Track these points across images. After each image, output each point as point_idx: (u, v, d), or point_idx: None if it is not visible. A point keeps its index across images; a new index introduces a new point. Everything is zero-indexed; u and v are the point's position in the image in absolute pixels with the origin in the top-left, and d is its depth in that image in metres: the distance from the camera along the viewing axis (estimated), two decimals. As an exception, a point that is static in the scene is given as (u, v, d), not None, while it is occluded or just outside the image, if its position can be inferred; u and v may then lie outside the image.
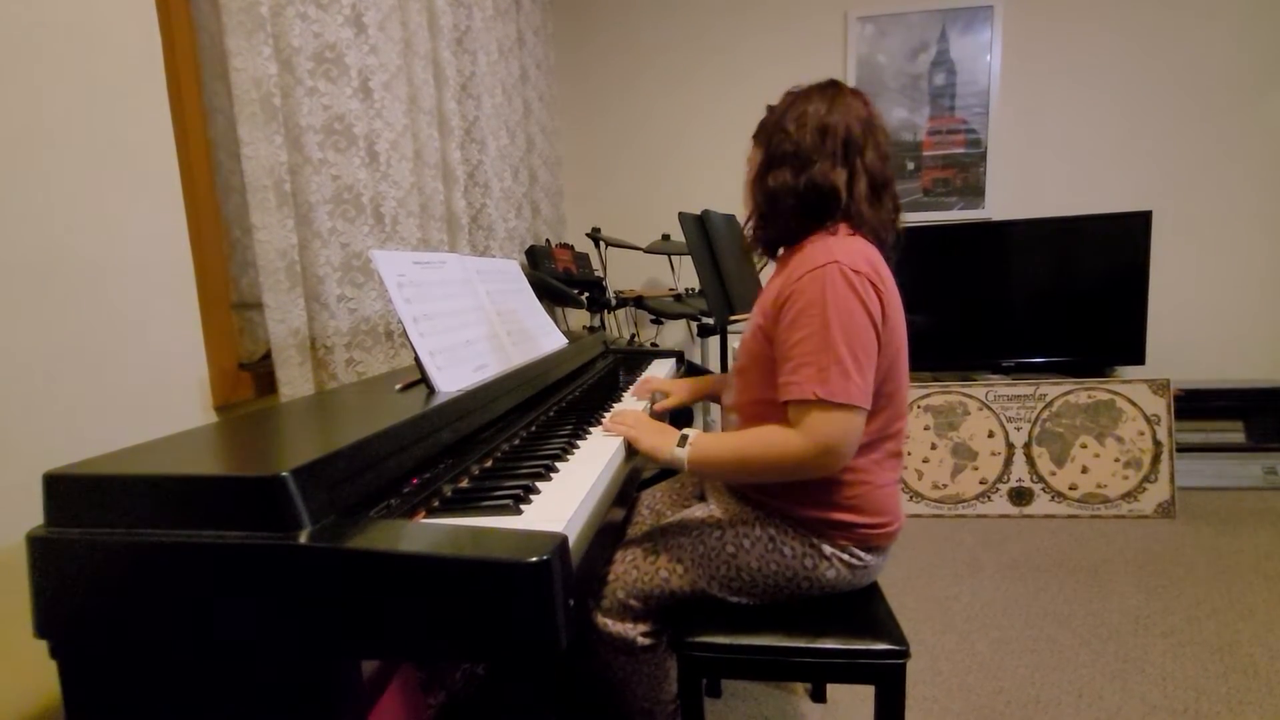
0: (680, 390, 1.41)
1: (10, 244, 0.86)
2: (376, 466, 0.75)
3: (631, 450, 1.08)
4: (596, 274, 2.77)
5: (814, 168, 1.03)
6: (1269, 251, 2.94)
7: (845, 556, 1.06)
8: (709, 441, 1.03)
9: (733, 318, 1.91)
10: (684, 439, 1.04)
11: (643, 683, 1.16)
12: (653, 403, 1.40)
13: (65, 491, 0.65)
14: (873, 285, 0.97)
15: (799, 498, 1.06)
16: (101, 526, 0.64)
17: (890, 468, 1.08)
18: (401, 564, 0.59)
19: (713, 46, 3.20)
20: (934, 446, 2.72)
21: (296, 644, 0.62)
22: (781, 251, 1.14)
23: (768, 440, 0.98)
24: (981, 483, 2.69)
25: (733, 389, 1.17)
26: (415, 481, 0.81)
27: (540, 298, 1.66)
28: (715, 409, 2.69)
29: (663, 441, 1.05)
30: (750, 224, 1.14)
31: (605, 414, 1.23)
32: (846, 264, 0.96)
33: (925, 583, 2.13)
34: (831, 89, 1.08)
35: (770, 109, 1.12)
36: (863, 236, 1.05)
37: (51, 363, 0.91)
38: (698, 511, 1.17)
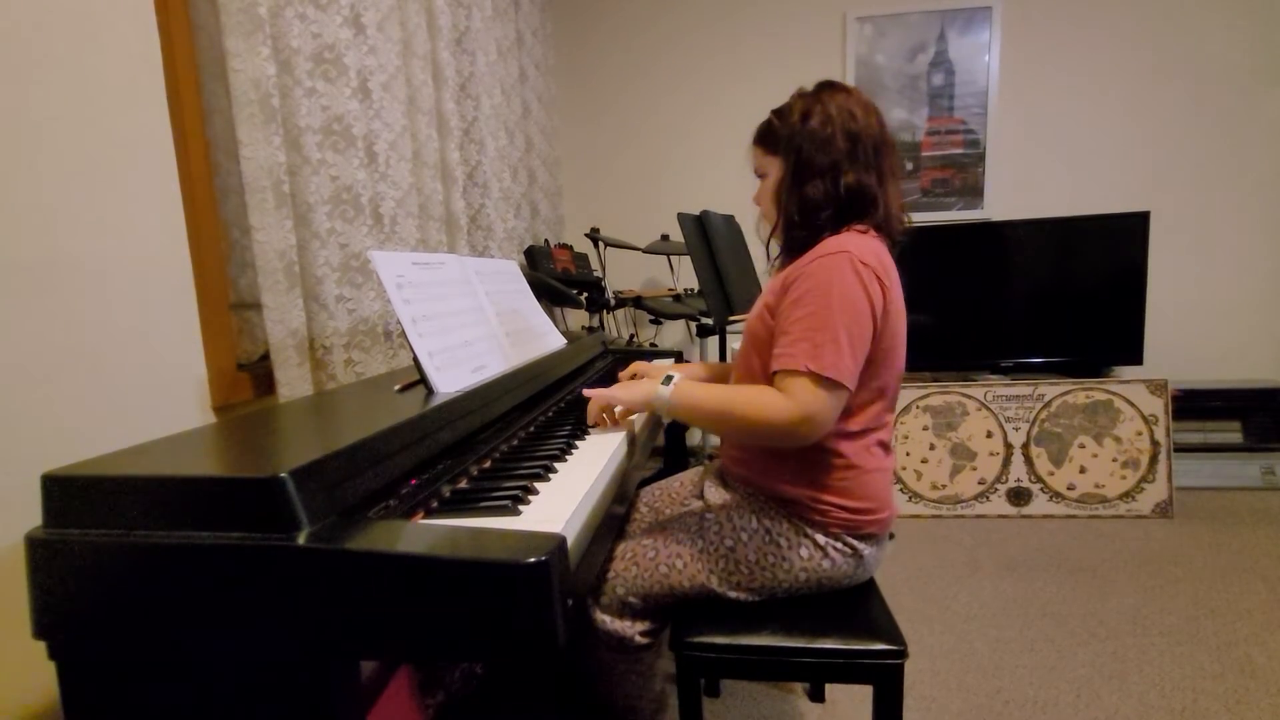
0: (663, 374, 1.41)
1: (8, 244, 0.86)
2: (375, 467, 0.75)
3: (630, 450, 1.08)
4: (595, 274, 2.77)
5: (849, 175, 1.05)
6: (1267, 252, 2.95)
7: (839, 545, 1.07)
8: (694, 387, 1.05)
9: (732, 318, 1.92)
10: (669, 379, 1.06)
11: (632, 681, 1.17)
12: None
13: (63, 493, 0.65)
14: (878, 279, 1.00)
15: (788, 477, 1.08)
16: (100, 528, 0.64)
17: (878, 455, 1.10)
18: (400, 565, 0.59)
19: (711, 47, 3.21)
20: (932, 447, 2.72)
21: (295, 645, 0.62)
22: None
23: (752, 398, 1.00)
24: (980, 483, 2.69)
25: (734, 369, 1.19)
26: (414, 482, 0.81)
27: (539, 298, 1.66)
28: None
29: (645, 387, 1.07)
30: (778, 232, 1.14)
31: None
32: (858, 256, 0.99)
33: (924, 583, 2.13)
34: (842, 92, 1.09)
35: (780, 115, 1.12)
36: (879, 234, 1.08)
37: (50, 363, 0.91)
38: (695, 507, 1.18)
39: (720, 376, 1.43)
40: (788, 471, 1.08)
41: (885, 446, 1.11)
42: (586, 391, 1.13)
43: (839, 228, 1.07)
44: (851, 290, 0.97)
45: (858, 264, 0.98)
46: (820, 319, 0.97)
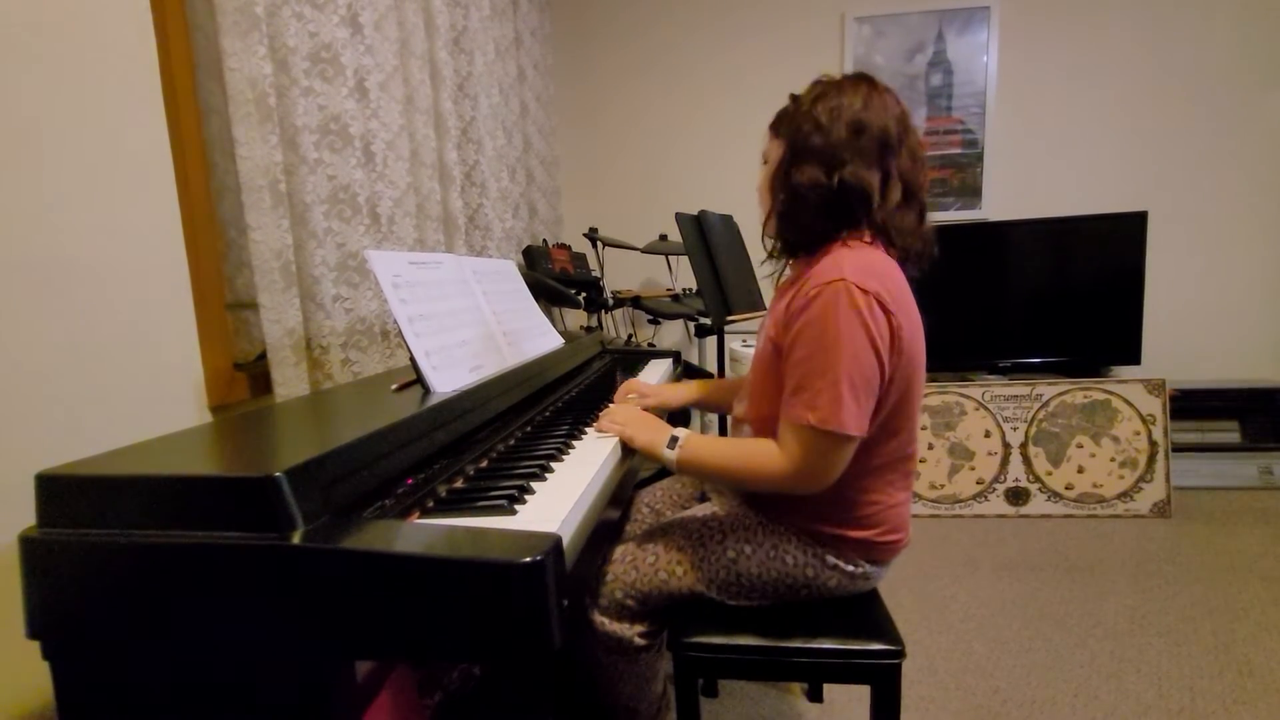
0: (665, 396, 1.37)
1: (4, 244, 0.86)
2: (371, 467, 0.75)
3: (628, 450, 1.08)
4: (593, 274, 2.77)
5: (846, 167, 0.96)
6: (1265, 251, 2.95)
7: (849, 567, 1.05)
8: (698, 445, 1.03)
9: (730, 318, 1.91)
10: (674, 440, 1.04)
11: (632, 682, 1.16)
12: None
13: (58, 492, 0.65)
14: (881, 306, 0.91)
15: (809, 514, 1.04)
16: (95, 527, 0.64)
17: (903, 487, 1.06)
18: (395, 564, 0.59)
19: (710, 47, 3.20)
20: (931, 447, 2.72)
21: (291, 645, 0.62)
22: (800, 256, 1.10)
23: (752, 455, 0.98)
24: (978, 483, 2.69)
25: (745, 401, 1.14)
26: (410, 482, 0.81)
27: (537, 298, 1.66)
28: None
29: (656, 439, 1.05)
30: (769, 223, 1.08)
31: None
32: (855, 281, 0.91)
33: (922, 583, 2.13)
34: (866, 83, 1.01)
35: (795, 98, 1.04)
36: (883, 247, 1.01)
37: (46, 363, 0.90)
38: (699, 512, 1.16)
39: (722, 392, 1.41)
40: (809, 510, 1.04)
41: (910, 476, 1.06)
42: (600, 423, 1.11)
43: (831, 230, 1.01)
44: (849, 327, 0.90)
45: (856, 292, 0.90)
46: (817, 363, 0.91)
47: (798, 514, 1.06)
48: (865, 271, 0.93)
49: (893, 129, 0.98)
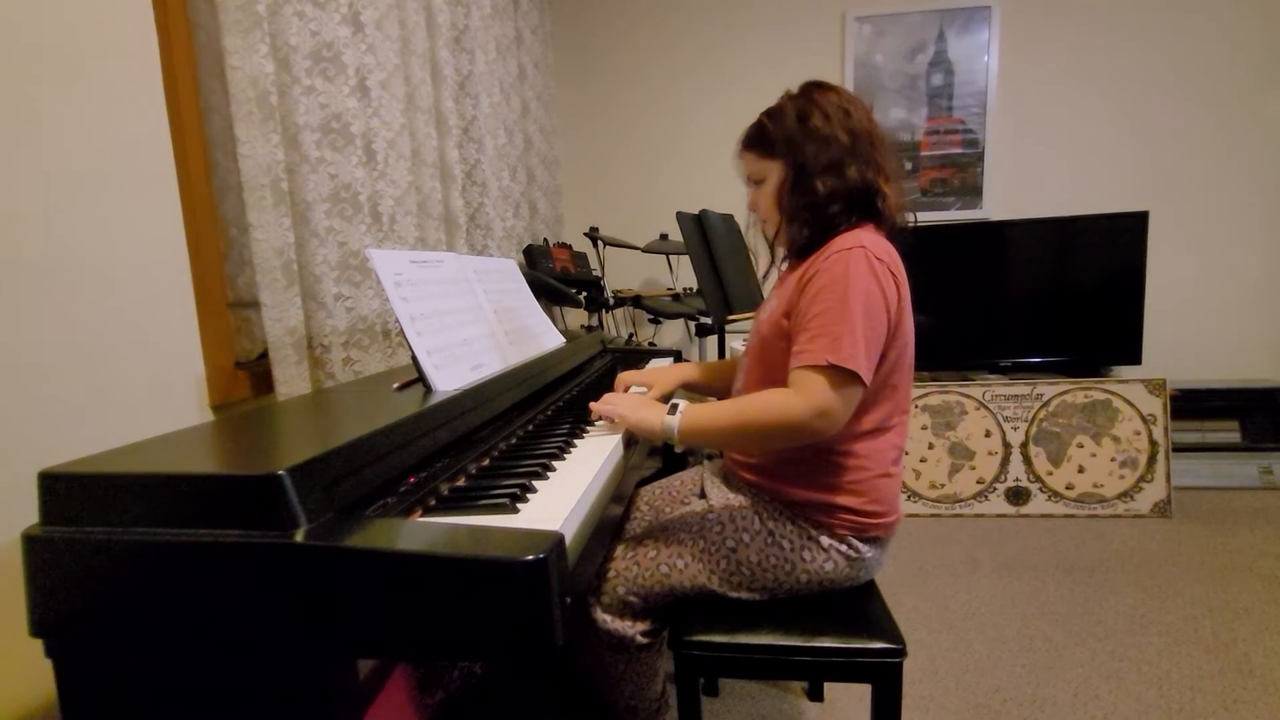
0: (659, 381, 1.37)
1: (6, 242, 0.86)
2: (373, 465, 0.75)
3: (630, 443, 1.08)
4: (594, 273, 2.77)
5: (853, 170, 1.06)
6: (1265, 251, 2.95)
7: (843, 548, 1.07)
8: (702, 409, 1.05)
9: (730, 317, 1.91)
10: (674, 407, 1.05)
11: (631, 681, 1.16)
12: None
13: (61, 490, 0.65)
14: (891, 274, 1.01)
15: (798, 480, 1.07)
16: (97, 525, 0.64)
17: (890, 459, 1.09)
18: (398, 563, 0.59)
19: (710, 46, 3.20)
20: (931, 446, 2.72)
21: (293, 643, 0.62)
22: None
23: (766, 403, 1.00)
24: (979, 482, 2.69)
25: (742, 372, 1.18)
26: (412, 480, 0.81)
27: (538, 297, 1.66)
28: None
29: (652, 413, 1.06)
30: (785, 234, 1.13)
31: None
32: (871, 250, 1.00)
33: (922, 582, 2.13)
34: (830, 90, 1.10)
35: (772, 117, 1.12)
36: (885, 232, 1.09)
37: (47, 361, 0.90)
38: (697, 506, 1.18)
39: (716, 374, 1.42)
40: (799, 475, 1.08)
41: (898, 449, 1.10)
42: (593, 406, 1.12)
43: (850, 222, 1.06)
44: (867, 284, 0.98)
45: (873, 258, 0.99)
46: (836, 313, 0.97)
47: (790, 483, 1.08)
48: (879, 247, 1.03)
49: (871, 128, 1.09)
